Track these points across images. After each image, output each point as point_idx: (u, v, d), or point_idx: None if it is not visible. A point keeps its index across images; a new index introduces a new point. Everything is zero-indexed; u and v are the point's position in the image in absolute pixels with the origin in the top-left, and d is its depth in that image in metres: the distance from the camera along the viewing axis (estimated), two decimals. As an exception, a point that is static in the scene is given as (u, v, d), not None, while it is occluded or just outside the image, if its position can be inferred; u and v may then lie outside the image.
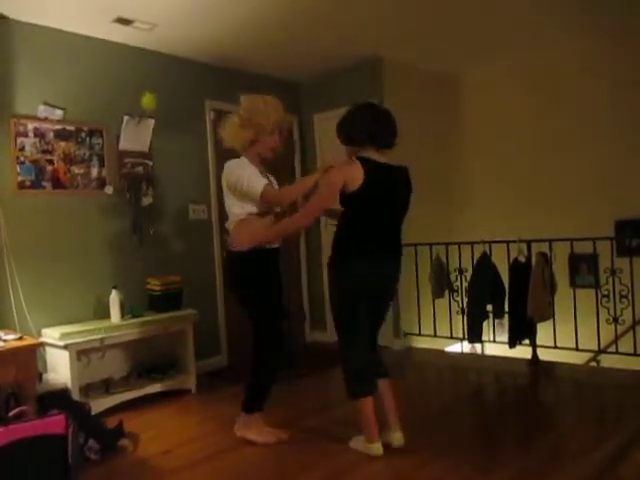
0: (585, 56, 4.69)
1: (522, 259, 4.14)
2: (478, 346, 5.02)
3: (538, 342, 4.18)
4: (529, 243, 4.17)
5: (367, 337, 2.65)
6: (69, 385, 3.28)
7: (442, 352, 4.85)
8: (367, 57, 4.82)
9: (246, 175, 2.76)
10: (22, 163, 3.55)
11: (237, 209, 2.82)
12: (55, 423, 2.45)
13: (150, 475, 2.60)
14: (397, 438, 2.67)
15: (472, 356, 4.94)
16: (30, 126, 3.60)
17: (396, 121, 2.64)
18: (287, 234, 2.87)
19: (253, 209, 2.79)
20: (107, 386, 3.61)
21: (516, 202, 5.13)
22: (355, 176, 2.47)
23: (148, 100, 4.00)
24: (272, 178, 2.98)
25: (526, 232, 4.25)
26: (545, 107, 4.99)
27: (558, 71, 4.88)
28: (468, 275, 4.44)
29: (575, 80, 4.79)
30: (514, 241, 4.19)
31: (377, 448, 2.57)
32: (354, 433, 2.72)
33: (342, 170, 2.52)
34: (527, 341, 4.19)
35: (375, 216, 2.58)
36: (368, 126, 2.56)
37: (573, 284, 4.28)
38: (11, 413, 2.43)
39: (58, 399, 2.94)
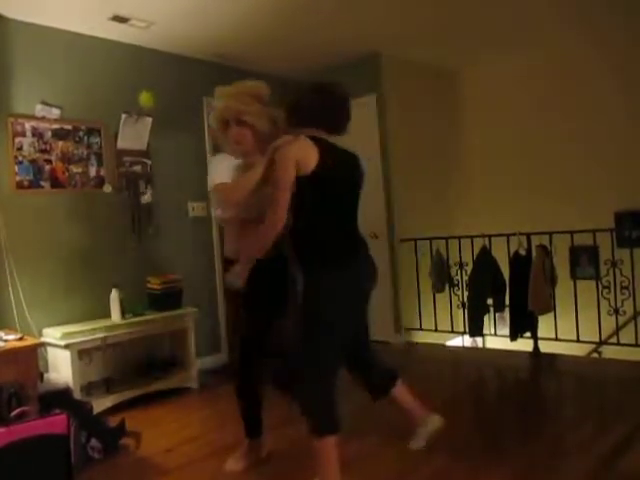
0: (586, 51, 4.66)
1: (522, 252, 4.14)
2: (479, 340, 5.03)
3: (539, 334, 4.19)
4: (529, 236, 4.17)
5: (346, 357, 2.31)
6: (71, 384, 3.28)
7: (443, 346, 4.85)
8: (366, 53, 4.80)
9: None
10: (20, 163, 3.55)
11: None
12: (57, 423, 2.46)
13: (153, 473, 2.60)
14: (437, 419, 2.49)
15: (473, 350, 4.95)
16: (28, 125, 3.59)
17: (351, 107, 2.31)
18: (266, 245, 2.16)
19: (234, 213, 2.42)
20: (108, 385, 3.61)
21: (516, 195, 5.12)
22: (309, 154, 2.06)
23: (146, 98, 3.98)
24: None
25: (526, 225, 4.25)
26: (544, 100, 4.98)
27: (557, 65, 4.86)
28: (468, 269, 4.44)
29: (575, 72, 4.78)
30: (514, 234, 4.19)
31: None
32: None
33: (293, 145, 2.08)
34: (528, 334, 4.19)
35: (338, 207, 2.18)
36: (320, 104, 2.20)
37: (574, 276, 4.27)
38: (13, 413, 2.43)
39: (60, 399, 2.93)
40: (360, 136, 5.08)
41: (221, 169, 2.40)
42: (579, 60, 4.73)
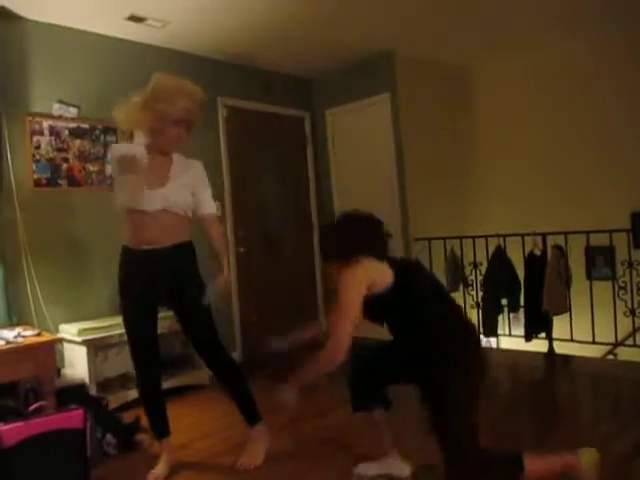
0: (600, 50, 4.61)
1: (537, 252, 4.11)
2: (493, 340, 4.99)
3: (554, 335, 4.15)
4: (544, 236, 4.14)
5: None
6: (87, 380, 3.32)
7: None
8: (379, 52, 4.81)
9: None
10: (38, 161, 3.59)
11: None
12: (73, 417, 2.48)
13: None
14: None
15: (487, 350, 4.91)
16: (45, 124, 3.64)
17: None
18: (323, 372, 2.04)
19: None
20: (124, 381, 3.65)
21: (530, 195, 5.07)
22: (376, 270, 2.05)
23: (161, 97, 4.00)
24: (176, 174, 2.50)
25: (541, 225, 4.22)
26: (560, 99, 4.93)
27: (572, 64, 4.81)
28: (483, 269, 4.42)
29: (590, 72, 4.72)
30: (529, 234, 4.16)
31: None
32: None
33: (358, 270, 2.03)
34: (543, 334, 4.16)
35: (430, 295, 2.13)
36: (364, 232, 2.12)
37: (589, 277, 4.24)
38: (30, 408, 2.46)
39: (76, 394, 2.97)
40: (374, 135, 5.12)
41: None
42: (594, 58, 4.67)
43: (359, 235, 2.11)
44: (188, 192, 2.49)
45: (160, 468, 2.54)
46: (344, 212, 2.24)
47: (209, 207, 2.60)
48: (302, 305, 5.33)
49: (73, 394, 2.97)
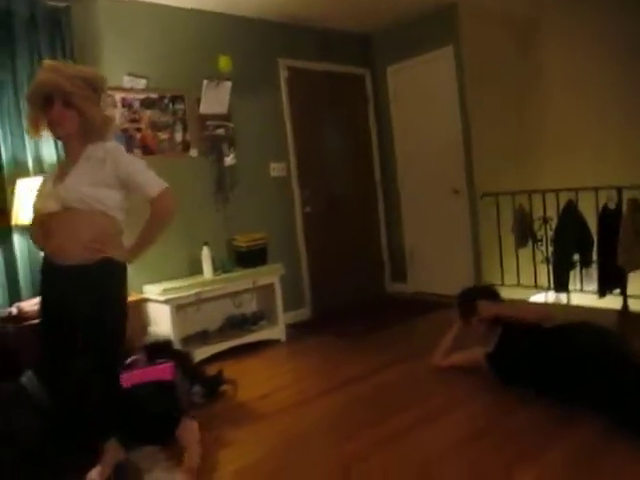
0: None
1: (612, 206, 3.98)
2: (563, 296, 4.92)
3: (629, 292, 4.05)
4: (620, 190, 3.99)
5: None
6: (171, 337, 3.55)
7: (526, 302, 4.79)
8: (441, 4, 4.65)
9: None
10: (114, 133, 3.76)
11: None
12: (165, 370, 2.69)
13: (252, 417, 2.81)
14: None
15: (558, 306, 4.84)
16: (118, 97, 3.79)
17: None
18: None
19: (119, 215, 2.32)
20: (204, 337, 3.88)
21: (605, 147, 4.85)
22: None
23: (224, 62, 4.11)
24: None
25: (616, 179, 4.05)
26: (633, 47, 4.63)
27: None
28: (553, 224, 4.33)
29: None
30: (603, 188, 4.02)
31: None
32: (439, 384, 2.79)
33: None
34: (617, 291, 4.06)
35: None
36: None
37: (668, 230, 4.06)
38: (125, 362, 2.68)
39: (164, 349, 3.17)
40: (437, 90, 5.01)
41: None
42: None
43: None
44: (89, 179, 2.17)
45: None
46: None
47: (148, 189, 2.24)
48: (366, 263, 5.42)
49: (161, 349, 3.17)
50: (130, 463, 2.35)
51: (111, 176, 2.20)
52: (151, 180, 2.26)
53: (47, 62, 2.36)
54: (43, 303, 2.34)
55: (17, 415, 2.37)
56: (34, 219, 2.35)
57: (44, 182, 2.36)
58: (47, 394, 2.47)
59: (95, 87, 2.24)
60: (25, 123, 2.61)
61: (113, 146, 2.29)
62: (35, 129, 2.26)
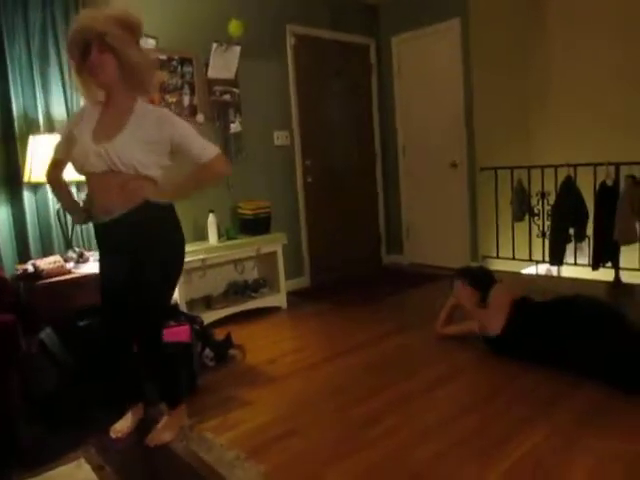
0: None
1: (609, 182, 4.08)
2: (554, 268, 5.06)
3: (621, 265, 4.19)
4: (618, 166, 4.09)
5: None
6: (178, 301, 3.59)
7: (518, 274, 4.92)
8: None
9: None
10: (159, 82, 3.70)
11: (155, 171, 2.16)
12: (182, 332, 2.76)
13: (262, 380, 2.89)
14: None
15: (549, 278, 4.99)
16: (125, 57, 3.73)
17: None
18: None
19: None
20: (208, 302, 3.93)
21: (605, 124, 4.92)
22: None
23: (235, 26, 4.04)
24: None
25: (615, 155, 4.14)
26: (634, 22, 4.67)
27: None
28: (550, 199, 4.42)
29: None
30: (602, 164, 4.11)
31: None
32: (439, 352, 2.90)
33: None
34: (609, 264, 4.20)
35: None
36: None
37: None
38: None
39: (173, 313, 3.23)
40: (441, 63, 5.01)
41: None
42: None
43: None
44: (142, 146, 2.08)
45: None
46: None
47: (203, 157, 2.17)
48: (364, 233, 5.49)
49: (171, 313, 3.22)
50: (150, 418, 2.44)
51: (166, 142, 2.12)
52: (206, 147, 2.19)
53: (82, 11, 2.26)
54: (101, 268, 2.30)
55: (38, 368, 2.43)
56: (56, 161, 2.28)
57: (74, 126, 2.17)
58: (65, 350, 2.52)
59: (130, 27, 2.09)
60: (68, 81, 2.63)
61: (166, 112, 2.22)
62: (82, 85, 2.14)
